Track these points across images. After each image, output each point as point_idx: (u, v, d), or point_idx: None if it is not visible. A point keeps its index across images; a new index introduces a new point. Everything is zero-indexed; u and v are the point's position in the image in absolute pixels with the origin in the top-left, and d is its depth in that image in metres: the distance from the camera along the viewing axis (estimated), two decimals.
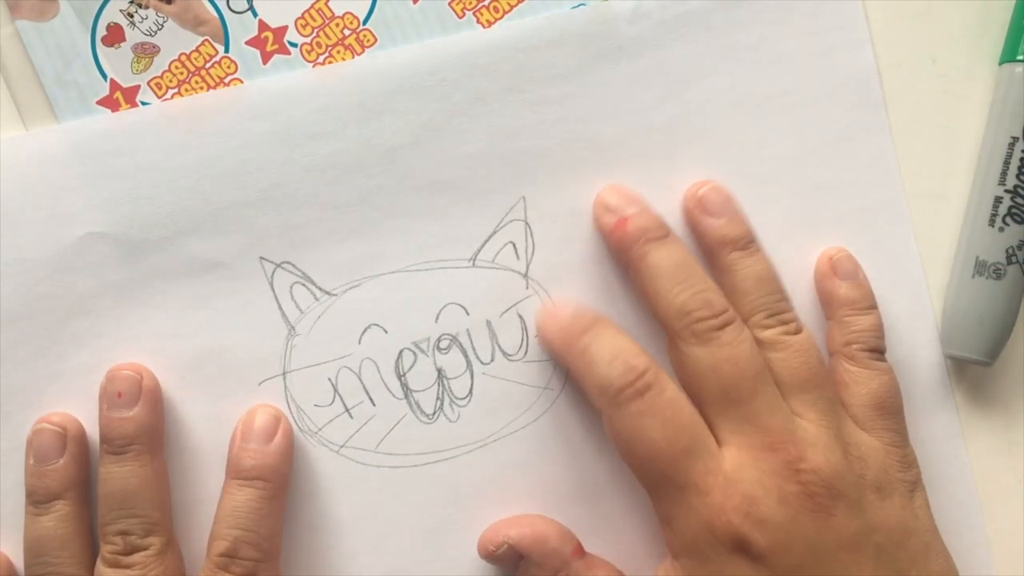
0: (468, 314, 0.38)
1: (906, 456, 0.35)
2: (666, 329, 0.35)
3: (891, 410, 0.36)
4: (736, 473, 0.33)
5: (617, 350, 0.34)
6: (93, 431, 0.37)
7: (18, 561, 0.36)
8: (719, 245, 0.36)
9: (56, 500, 0.35)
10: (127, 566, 0.34)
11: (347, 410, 0.37)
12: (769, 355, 0.35)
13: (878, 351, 0.36)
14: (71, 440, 0.36)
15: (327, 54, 0.37)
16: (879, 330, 0.36)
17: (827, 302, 0.37)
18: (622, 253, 0.36)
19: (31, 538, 0.35)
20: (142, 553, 0.34)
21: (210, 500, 0.36)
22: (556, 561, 0.35)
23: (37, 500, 0.35)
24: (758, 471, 0.33)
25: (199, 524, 0.37)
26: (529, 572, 0.36)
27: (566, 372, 0.37)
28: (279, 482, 0.35)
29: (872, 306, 0.37)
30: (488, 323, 0.38)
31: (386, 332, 0.37)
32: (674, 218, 0.37)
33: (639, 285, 0.36)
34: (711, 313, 0.34)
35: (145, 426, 0.35)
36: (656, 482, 0.34)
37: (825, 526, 0.32)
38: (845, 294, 0.37)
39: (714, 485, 0.33)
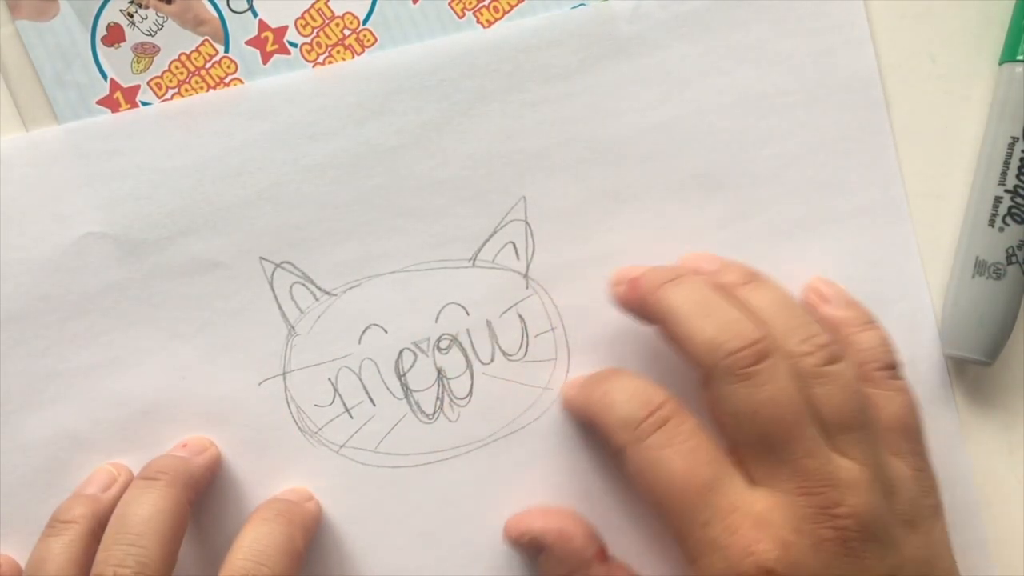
0: (468, 314, 0.38)
1: (928, 479, 0.34)
2: (699, 370, 0.33)
3: (915, 432, 0.34)
4: (768, 514, 0.31)
5: (635, 388, 0.34)
6: (97, 440, 0.37)
7: (20, 561, 0.36)
8: (723, 289, 0.34)
9: (71, 524, 0.34)
10: None
11: (347, 410, 0.37)
12: (811, 390, 0.32)
13: (893, 367, 0.35)
14: (118, 483, 0.36)
15: (327, 54, 0.37)
16: (888, 344, 0.35)
17: (827, 328, 0.35)
18: (643, 310, 0.35)
19: (34, 557, 0.34)
20: None
21: (209, 502, 0.37)
22: (576, 561, 0.35)
23: (56, 519, 0.35)
24: (792, 515, 0.31)
25: (199, 525, 0.37)
26: (548, 564, 0.35)
27: (589, 425, 0.36)
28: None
29: (872, 321, 0.36)
30: (488, 323, 0.38)
31: (386, 332, 0.37)
32: (675, 219, 0.37)
33: (666, 334, 0.34)
34: (743, 344, 0.32)
35: (189, 467, 0.35)
36: (680, 517, 0.32)
37: (856, 570, 0.31)
38: (842, 315, 0.36)
39: (741, 524, 0.31)
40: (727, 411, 0.32)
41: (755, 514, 0.31)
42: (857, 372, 0.34)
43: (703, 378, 0.33)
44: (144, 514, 0.33)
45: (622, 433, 0.33)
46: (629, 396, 0.33)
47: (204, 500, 0.37)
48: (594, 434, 0.36)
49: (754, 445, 0.32)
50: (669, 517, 0.32)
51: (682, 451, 0.32)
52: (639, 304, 0.35)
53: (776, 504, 0.31)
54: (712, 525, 0.31)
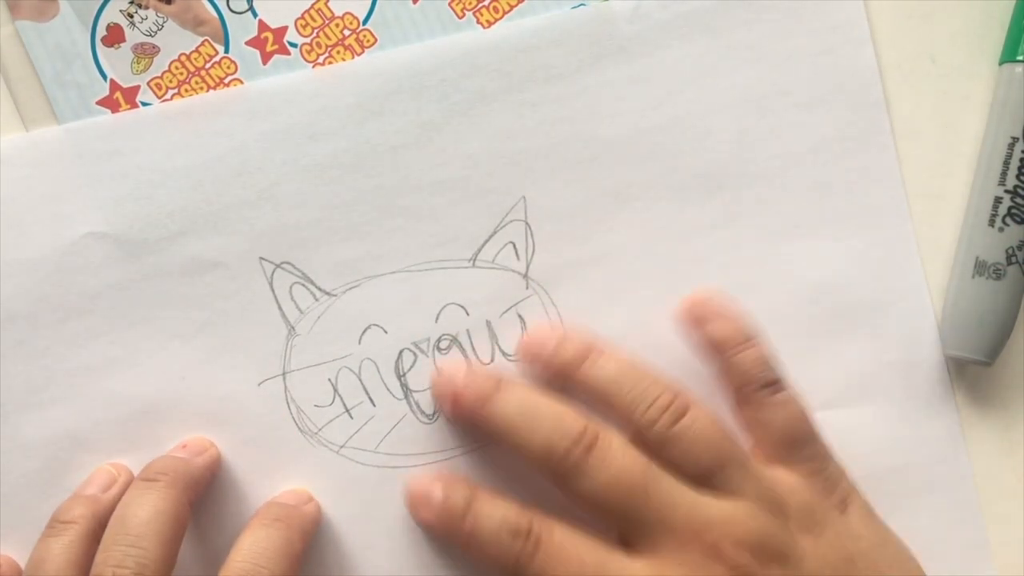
0: (468, 314, 0.38)
1: (828, 479, 0.35)
2: (541, 476, 0.34)
3: (804, 439, 0.35)
4: None
5: (499, 519, 0.34)
6: (97, 440, 0.37)
7: (20, 561, 0.36)
8: (562, 372, 0.35)
9: (71, 524, 0.34)
10: None
11: (347, 410, 0.37)
12: (667, 454, 0.34)
13: (771, 384, 0.35)
14: (118, 483, 0.36)
15: (327, 54, 0.37)
16: (765, 361, 0.35)
17: (705, 350, 0.36)
18: (474, 426, 0.35)
19: (34, 557, 0.34)
20: None
21: (209, 502, 0.37)
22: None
23: (56, 519, 0.35)
24: (683, 571, 0.32)
25: (199, 525, 0.37)
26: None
27: None
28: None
29: (749, 339, 0.35)
30: (488, 323, 0.38)
31: (386, 332, 0.37)
32: (675, 219, 0.37)
33: (501, 444, 0.35)
34: (571, 442, 0.33)
35: (189, 468, 0.35)
36: None
37: None
38: (719, 335, 0.36)
39: None
40: (585, 503, 0.33)
41: None
42: (737, 397, 0.35)
43: (551, 481, 0.34)
44: (144, 515, 0.33)
45: (505, 571, 0.33)
46: (495, 530, 0.34)
47: (204, 500, 0.37)
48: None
49: (622, 521, 0.33)
50: None
51: (561, 564, 0.33)
52: (469, 422, 0.35)
53: (663, 568, 0.32)
54: None
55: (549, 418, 0.34)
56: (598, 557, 0.33)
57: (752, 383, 0.35)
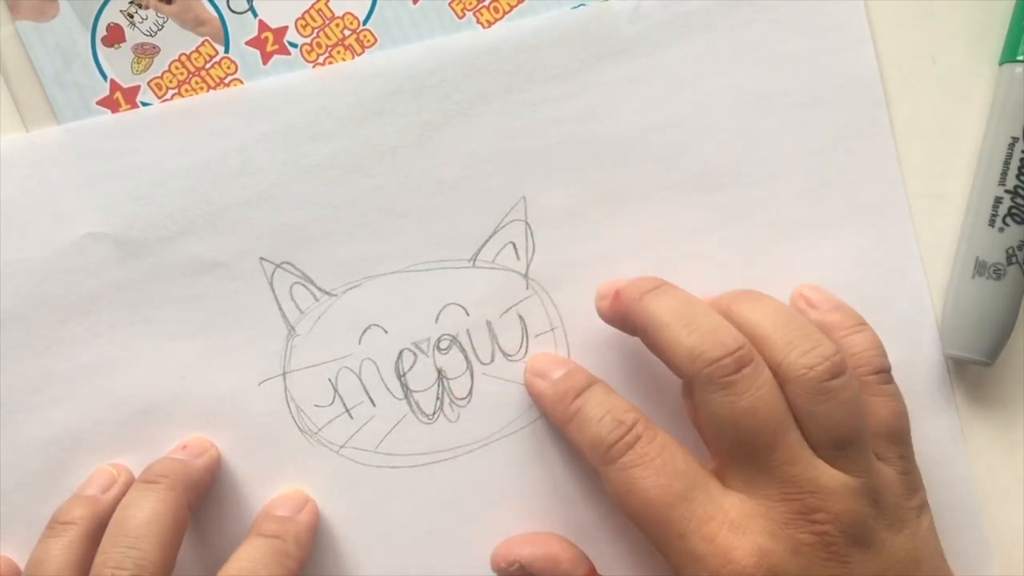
0: (468, 314, 0.38)
1: (913, 481, 0.34)
2: (681, 376, 0.33)
3: (903, 436, 0.35)
4: (744, 521, 0.32)
5: (605, 408, 0.34)
6: (97, 440, 0.37)
7: (20, 562, 0.36)
8: (720, 306, 0.34)
9: (71, 525, 0.34)
10: None
11: (347, 410, 0.37)
12: (812, 406, 0.32)
13: (884, 371, 0.35)
14: (118, 484, 0.36)
15: (327, 54, 0.37)
16: (880, 347, 0.35)
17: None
18: (627, 320, 0.35)
19: (33, 558, 0.34)
20: None
21: (209, 502, 0.37)
22: None
23: (55, 520, 0.35)
24: (769, 520, 0.32)
25: (199, 525, 0.37)
26: None
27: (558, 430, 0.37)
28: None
29: (863, 323, 0.35)
30: (488, 323, 0.38)
31: (386, 332, 0.37)
32: (675, 219, 0.37)
33: (648, 342, 0.34)
34: (724, 352, 0.32)
35: (189, 470, 0.35)
36: (658, 532, 0.32)
37: (840, 573, 0.32)
38: (832, 319, 0.35)
39: (718, 532, 0.32)
40: (708, 419, 0.33)
41: (731, 522, 0.32)
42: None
43: (685, 386, 0.33)
44: (143, 517, 0.33)
45: (594, 455, 0.34)
46: (600, 416, 0.34)
47: (204, 500, 0.37)
48: (568, 441, 0.36)
49: (735, 452, 0.32)
50: (649, 533, 0.33)
51: (653, 468, 0.32)
52: (623, 315, 0.35)
53: (752, 510, 0.32)
54: (689, 537, 0.32)
55: (708, 325, 0.33)
56: (691, 478, 0.32)
57: (866, 365, 0.34)
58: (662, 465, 0.33)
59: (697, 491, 0.32)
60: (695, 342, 0.32)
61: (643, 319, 0.34)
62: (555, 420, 0.36)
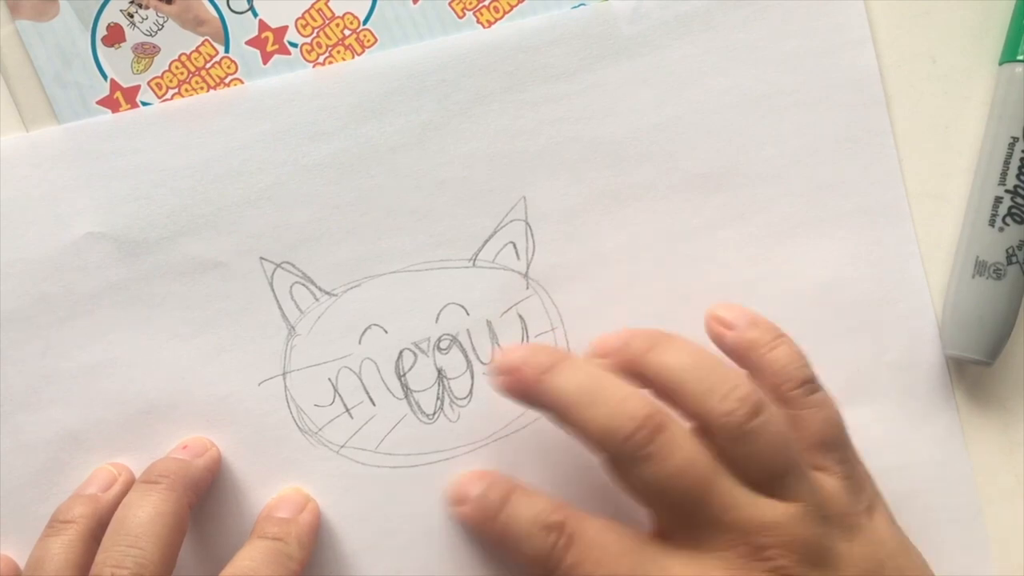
0: (468, 314, 0.38)
1: (857, 482, 0.34)
2: (598, 455, 0.33)
3: (839, 442, 0.34)
4: None
5: (532, 516, 0.33)
6: (97, 440, 0.37)
7: (20, 562, 0.36)
8: (631, 359, 0.34)
9: (71, 524, 0.34)
10: None
11: (347, 410, 0.37)
12: (734, 450, 0.32)
13: (809, 381, 0.34)
14: (119, 483, 0.36)
15: (327, 54, 0.37)
16: (801, 358, 0.35)
17: (737, 356, 0.35)
18: (530, 401, 0.34)
19: (33, 557, 0.34)
20: None
21: (209, 502, 0.37)
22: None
23: (55, 519, 0.35)
24: (724, 570, 0.32)
25: (199, 525, 0.37)
26: None
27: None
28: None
29: (779, 337, 0.35)
30: (488, 323, 0.38)
31: (386, 332, 0.37)
32: (675, 219, 0.37)
33: (557, 422, 0.33)
34: (637, 425, 0.31)
35: (190, 470, 0.35)
36: None
37: None
38: (750, 337, 0.35)
39: None
40: (638, 490, 0.32)
41: None
42: (773, 398, 0.34)
43: (606, 463, 0.33)
44: (144, 516, 0.33)
45: (538, 571, 0.33)
46: (527, 530, 0.33)
47: (204, 500, 0.37)
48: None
49: (672, 515, 0.33)
50: None
51: (591, 563, 0.32)
52: (524, 396, 0.34)
53: (706, 564, 0.32)
54: None
55: (615, 398, 0.32)
56: (634, 555, 0.32)
57: (789, 380, 0.34)
58: (602, 556, 0.32)
59: (643, 566, 0.32)
60: (605, 420, 0.32)
61: (546, 401, 0.33)
62: (487, 542, 0.36)
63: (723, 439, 0.32)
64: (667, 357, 0.33)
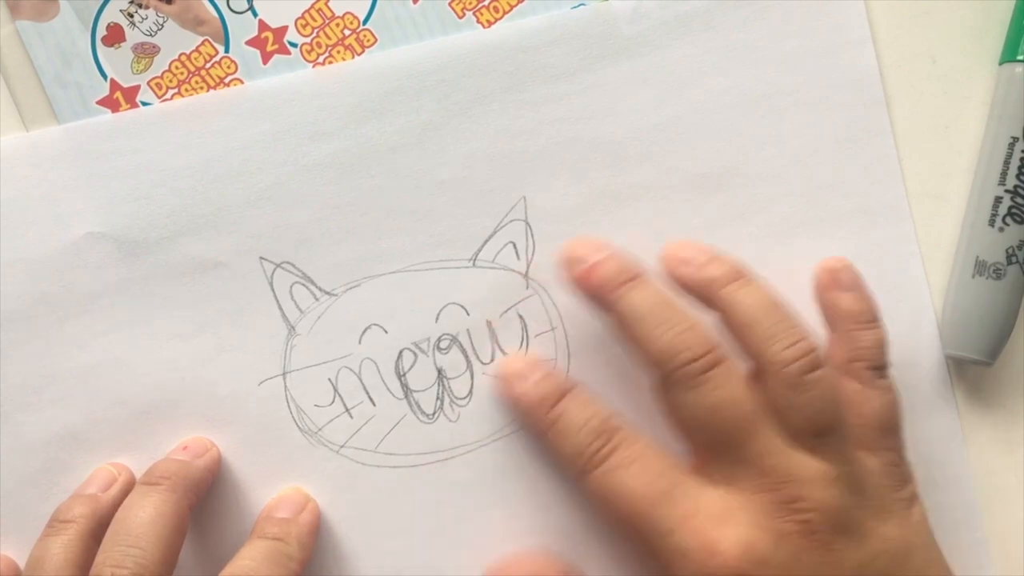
0: (468, 314, 0.38)
1: (903, 473, 0.35)
2: (653, 373, 0.34)
3: (892, 430, 0.35)
4: (727, 514, 0.32)
5: (584, 416, 0.34)
6: (97, 440, 0.37)
7: (20, 561, 0.36)
8: (705, 288, 0.34)
9: (70, 524, 0.34)
10: None
11: (347, 410, 0.37)
12: (786, 398, 0.33)
13: (882, 368, 0.35)
14: (119, 483, 0.36)
15: (327, 54, 0.37)
16: (883, 346, 0.35)
17: (829, 314, 0.36)
18: (596, 300, 0.35)
19: (33, 556, 0.34)
20: None
21: (209, 502, 0.37)
22: None
23: (55, 519, 0.35)
24: (753, 512, 0.32)
25: (199, 525, 0.37)
26: None
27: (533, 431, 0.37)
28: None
29: (875, 319, 0.36)
30: (488, 323, 0.38)
31: (386, 332, 0.37)
32: (675, 219, 0.37)
33: (620, 331, 0.34)
34: (694, 355, 0.33)
35: (190, 471, 0.35)
36: (644, 532, 0.33)
37: (827, 561, 0.32)
38: (848, 306, 0.36)
39: (702, 526, 0.32)
40: (683, 416, 0.33)
41: (715, 515, 0.32)
42: (843, 368, 0.35)
43: (657, 382, 0.34)
44: (144, 517, 0.33)
45: (577, 462, 0.34)
46: (581, 425, 0.34)
47: (204, 500, 0.37)
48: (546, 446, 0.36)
49: (711, 447, 0.33)
50: (634, 535, 0.33)
51: (634, 470, 0.33)
52: (594, 293, 0.35)
53: (735, 503, 0.32)
54: (674, 533, 0.32)
55: (681, 324, 0.33)
56: (673, 478, 0.33)
57: (865, 360, 0.35)
58: (642, 467, 0.33)
59: (679, 488, 0.33)
60: (666, 343, 0.33)
61: (619, 310, 0.34)
62: (534, 426, 0.36)
63: (776, 383, 0.33)
64: (742, 295, 0.34)
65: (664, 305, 0.34)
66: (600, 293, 0.34)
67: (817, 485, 0.32)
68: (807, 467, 0.32)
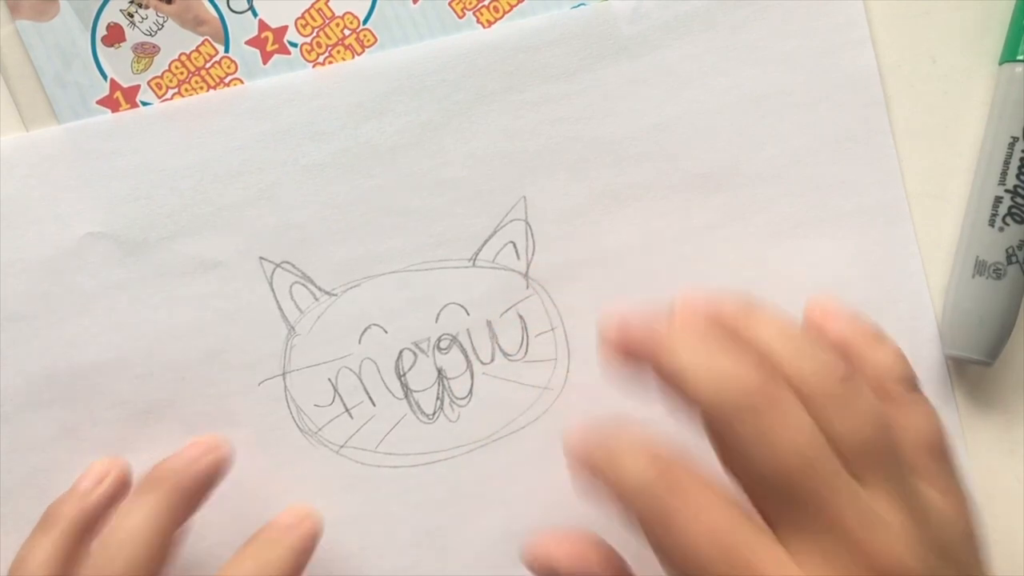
0: (468, 314, 0.38)
1: (963, 501, 0.31)
2: (704, 420, 0.29)
3: (942, 450, 0.31)
4: None
5: (640, 449, 0.30)
6: (98, 440, 0.37)
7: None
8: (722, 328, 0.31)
9: (57, 523, 0.34)
10: None
11: (347, 410, 0.37)
12: (827, 416, 0.29)
13: (912, 380, 0.32)
14: (108, 479, 0.35)
15: (327, 54, 0.37)
16: (904, 357, 0.33)
17: (838, 347, 0.32)
18: (645, 362, 0.30)
19: (18, 555, 0.34)
20: None
21: (208, 502, 0.37)
22: None
23: (44, 517, 0.34)
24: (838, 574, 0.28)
25: (198, 526, 0.37)
26: None
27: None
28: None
29: (882, 334, 0.33)
30: (488, 323, 0.38)
31: (386, 332, 0.37)
32: (675, 219, 0.37)
33: (666, 386, 0.30)
34: (752, 390, 0.28)
35: (191, 472, 0.34)
36: None
37: None
38: (851, 330, 0.33)
39: None
40: (742, 462, 0.29)
41: None
42: (875, 391, 0.31)
43: (710, 429, 0.29)
44: (136, 521, 0.33)
45: (634, 502, 0.29)
46: (635, 458, 0.29)
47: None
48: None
49: (776, 495, 0.28)
50: None
51: (696, 516, 0.28)
52: (633, 353, 0.31)
53: (816, 566, 0.28)
54: None
55: (726, 363, 0.29)
56: (743, 529, 0.28)
57: (893, 374, 0.32)
58: (706, 511, 0.28)
59: (751, 544, 0.28)
60: (718, 384, 0.29)
61: (671, 369, 0.30)
62: (583, 463, 0.31)
63: (819, 398, 0.29)
64: (759, 326, 0.31)
65: (707, 344, 0.30)
66: (641, 353, 0.31)
67: (898, 538, 0.28)
68: (882, 514, 0.28)
